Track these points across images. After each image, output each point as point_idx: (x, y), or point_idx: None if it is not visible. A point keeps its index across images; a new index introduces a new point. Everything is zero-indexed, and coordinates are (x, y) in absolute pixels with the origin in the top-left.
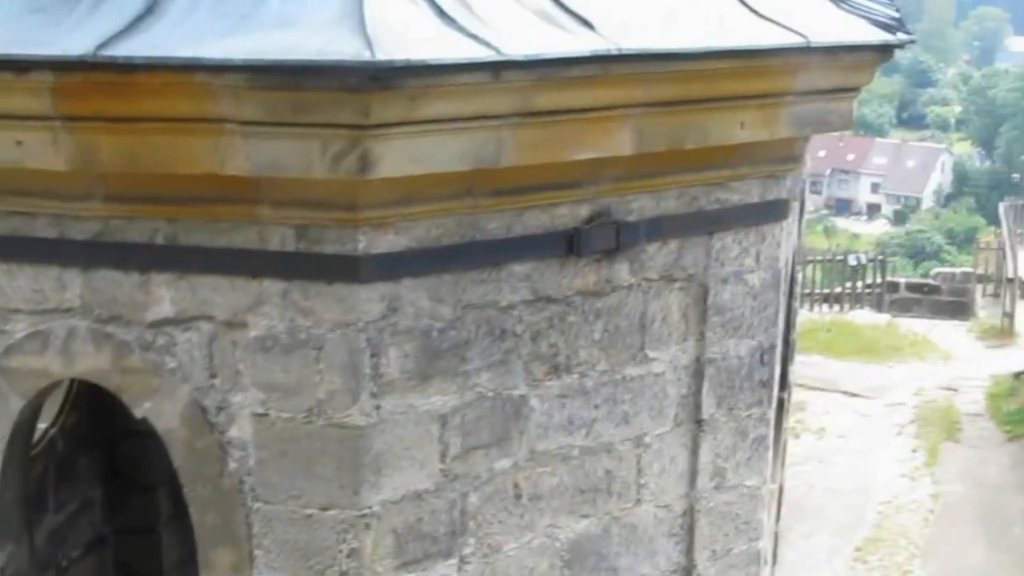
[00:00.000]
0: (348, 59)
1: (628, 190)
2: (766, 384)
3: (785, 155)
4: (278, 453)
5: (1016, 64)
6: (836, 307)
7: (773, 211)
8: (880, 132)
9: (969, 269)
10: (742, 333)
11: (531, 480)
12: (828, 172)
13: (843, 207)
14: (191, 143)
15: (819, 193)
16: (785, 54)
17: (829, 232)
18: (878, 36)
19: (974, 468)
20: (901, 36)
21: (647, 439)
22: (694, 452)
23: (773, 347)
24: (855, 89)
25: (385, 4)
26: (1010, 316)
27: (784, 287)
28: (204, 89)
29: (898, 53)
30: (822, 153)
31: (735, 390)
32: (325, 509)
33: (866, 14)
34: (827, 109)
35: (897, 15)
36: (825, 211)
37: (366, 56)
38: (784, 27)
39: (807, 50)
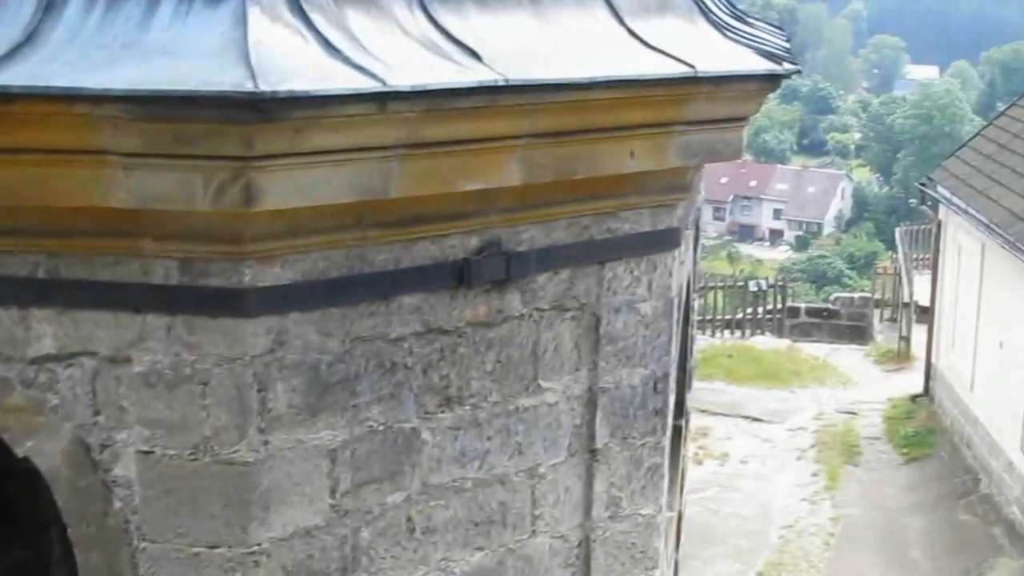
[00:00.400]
0: (230, 90)
1: (518, 220)
2: (660, 413)
3: (675, 184)
4: (164, 491)
5: (913, 92)
6: (738, 332)
7: (664, 240)
8: (781, 159)
9: (867, 294)
10: (635, 362)
11: (424, 514)
12: (731, 198)
13: (746, 233)
14: (71, 175)
15: (722, 219)
16: (673, 84)
17: (732, 258)
18: (764, 66)
19: (873, 491)
20: (788, 66)
21: (541, 470)
22: (588, 482)
23: (667, 375)
24: (743, 119)
25: (270, 35)
26: (907, 340)
27: (678, 315)
28: (84, 120)
29: (798, 80)
30: (724, 180)
31: (629, 419)
32: (213, 547)
33: (754, 44)
34: (716, 139)
35: (787, 44)
36: (728, 237)
37: (249, 87)
38: (672, 57)
39: (695, 80)
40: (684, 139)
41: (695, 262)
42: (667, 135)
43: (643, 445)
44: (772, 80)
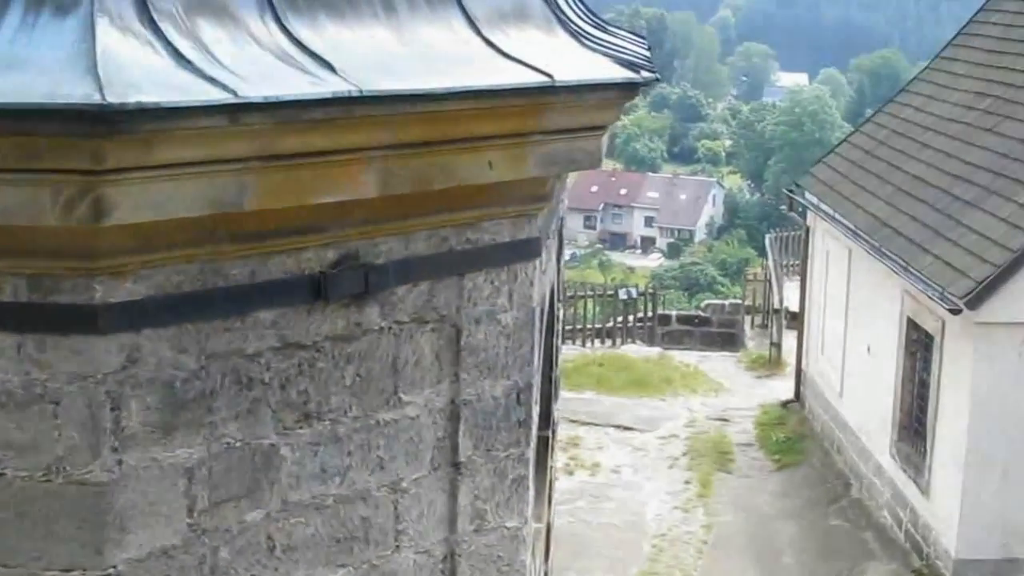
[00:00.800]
0: (78, 102)
1: (376, 233)
2: (524, 424)
3: (535, 194)
4: (16, 514)
5: (783, 99)
6: (608, 341)
7: (525, 250)
8: (652, 167)
9: (738, 301)
10: (497, 373)
11: (284, 531)
12: (601, 207)
13: (617, 241)
14: None
15: (593, 228)
16: (530, 94)
17: (604, 266)
18: (623, 75)
19: (745, 498)
20: (646, 74)
21: (404, 484)
22: (452, 495)
23: (530, 386)
24: (602, 127)
25: (119, 46)
26: (777, 346)
27: (540, 325)
28: None
29: (667, 88)
30: (595, 188)
31: (492, 431)
32: (67, 571)
33: (613, 52)
34: (575, 148)
35: (647, 53)
36: (599, 245)
37: (96, 99)
38: (529, 67)
39: (552, 90)
40: (543, 149)
41: (559, 271)
42: (525, 145)
43: (507, 457)
44: (631, 88)
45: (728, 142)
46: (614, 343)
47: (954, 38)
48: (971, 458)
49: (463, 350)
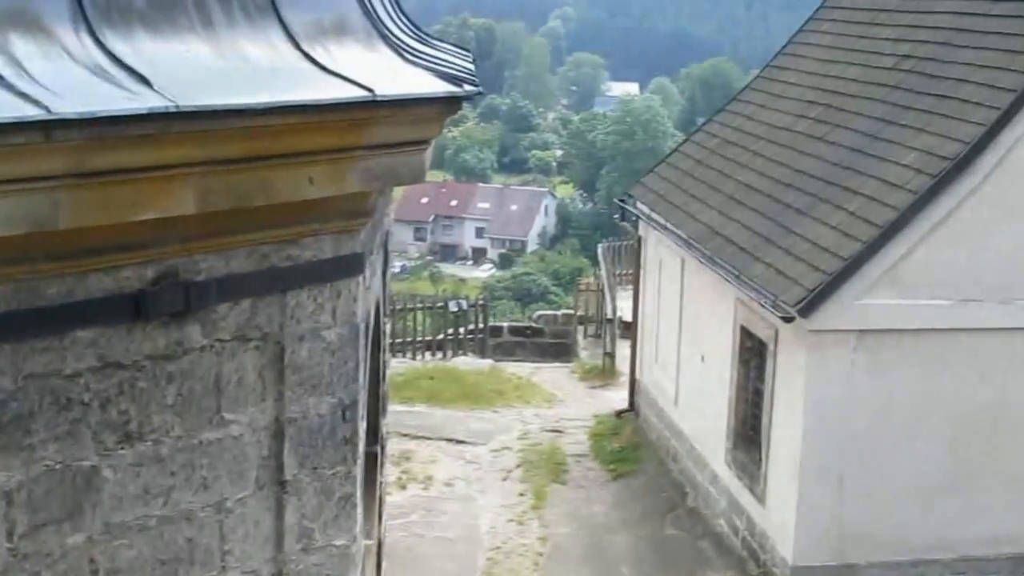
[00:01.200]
0: None
1: (196, 250)
2: (350, 441)
3: (357, 209)
4: None
5: (613, 108)
6: (439, 354)
7: (348, 266)
8: (482, 177)
9: (571, 311)
10: (322, 390)
11: (107, 554)
12: (432, 218)
13: (448, 253)
14: None
15: (423, 240)
16: (351, 109)
17: (435, 278)
18: (445, 88)
19: (581, 509)
20: (469, 88)
21: (229, 504)
22: (279, 515)
23: (355, 403)
24: (425, 141)
25: None
26: (611, 356)
27: (366, 341)
28: None
29: (497, 99)
30: (425, 200)
31: (318, 449)
32: None
33: (436, 66)
34: (397, 162)
35: (471, 65)
36: (430, 257)
37: None
38: (350, 81)
39: (373, 104)
40: (364, 164)
41: (385, 286)
42: (347, 160)
43: (334, 475)
44: (453, 102)
45: (559, 152)
46: (445, 355)
47: (784, 47)
48: (806, 465)
49: (287, 368)
